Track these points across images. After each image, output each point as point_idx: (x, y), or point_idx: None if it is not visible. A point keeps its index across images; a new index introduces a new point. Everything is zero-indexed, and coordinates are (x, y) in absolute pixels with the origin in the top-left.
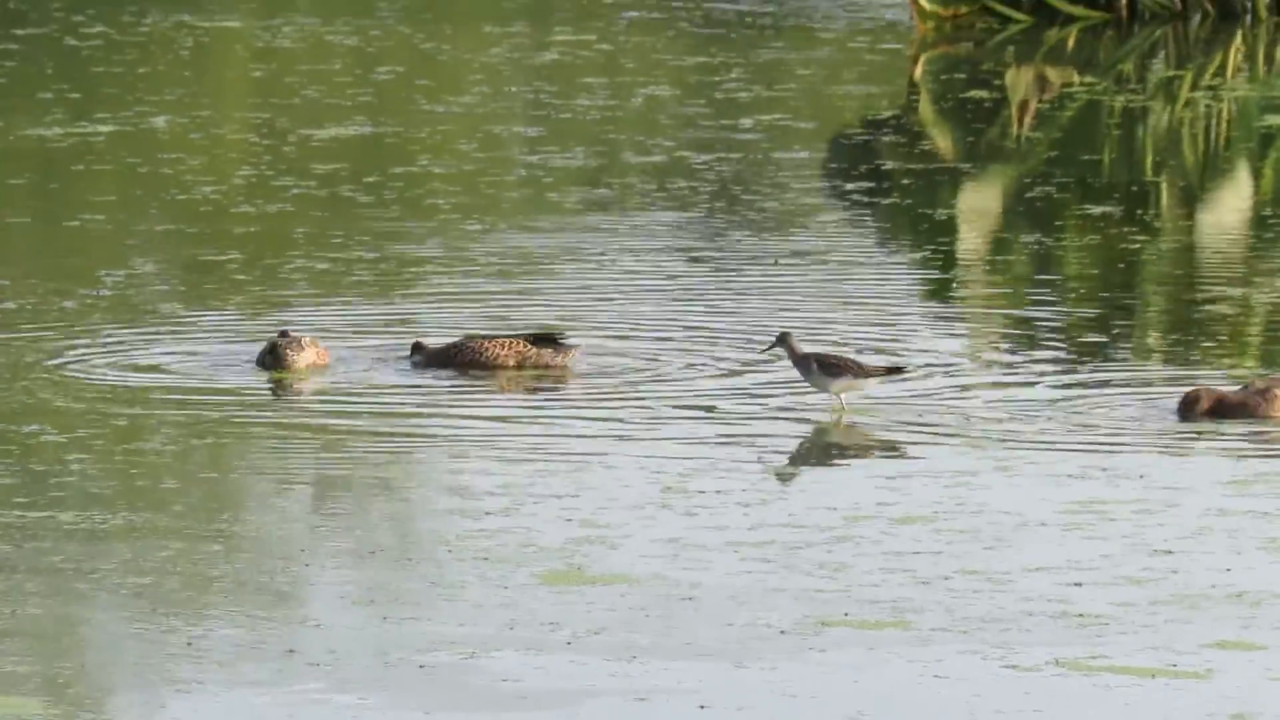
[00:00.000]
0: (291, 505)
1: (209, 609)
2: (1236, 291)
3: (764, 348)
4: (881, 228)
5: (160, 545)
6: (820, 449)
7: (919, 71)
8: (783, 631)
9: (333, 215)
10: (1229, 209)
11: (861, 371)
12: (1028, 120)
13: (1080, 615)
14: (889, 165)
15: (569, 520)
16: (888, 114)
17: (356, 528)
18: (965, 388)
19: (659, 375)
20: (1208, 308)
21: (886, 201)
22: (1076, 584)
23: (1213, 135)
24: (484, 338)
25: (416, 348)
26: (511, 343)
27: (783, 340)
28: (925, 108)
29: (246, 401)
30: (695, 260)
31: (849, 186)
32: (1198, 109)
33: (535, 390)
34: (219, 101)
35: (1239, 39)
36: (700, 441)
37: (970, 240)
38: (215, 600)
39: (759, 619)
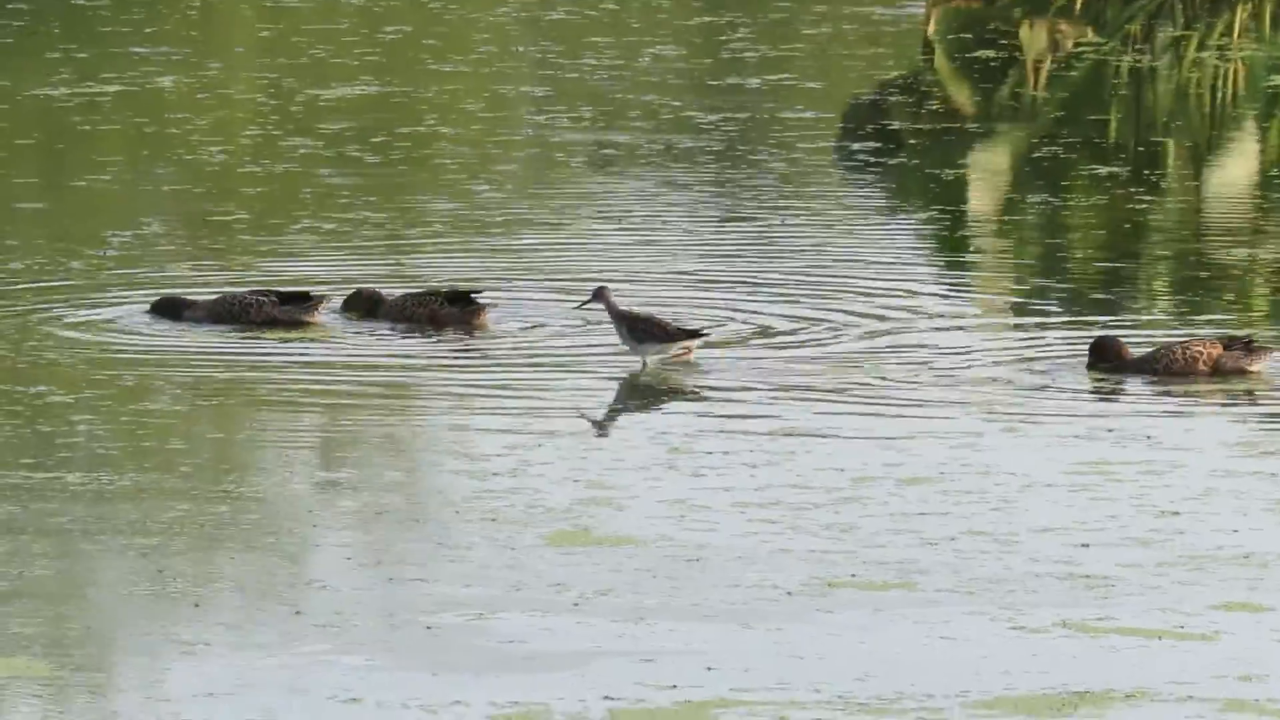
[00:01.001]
0: (298, 467)
1: (216, 570)
2: (1243, 250)
3: (579, 303)
4: (889, 187)
5: (167, 506)
6: (826, 410)
7: (930, 29)
8: (789, 593)
9: (340, 175)
10: (1236, 168)
11: (666, 335)
12: (1041, 80)
13: (1087, 576)
14: (896, 125)
15: (575, 481)
16: (895, 74)
17: (363, 489)
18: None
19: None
20: (1214, 266)
21: (894, 161)
22: (1083, 545)
23: (1220, 95)
24: (402, 295)
25: (359, 299)
26: (425, 301)
27: (599, 295)
28: (936, 67)
29: (254, 363)
30: (702, 218)
31: (856, 146)
32: (1205, 69)
33: (539, 351)
34: (226, 61)
35: None
36: (707, 402)
37: (978, 200)
38: (222, 561)
39: (766, 580)
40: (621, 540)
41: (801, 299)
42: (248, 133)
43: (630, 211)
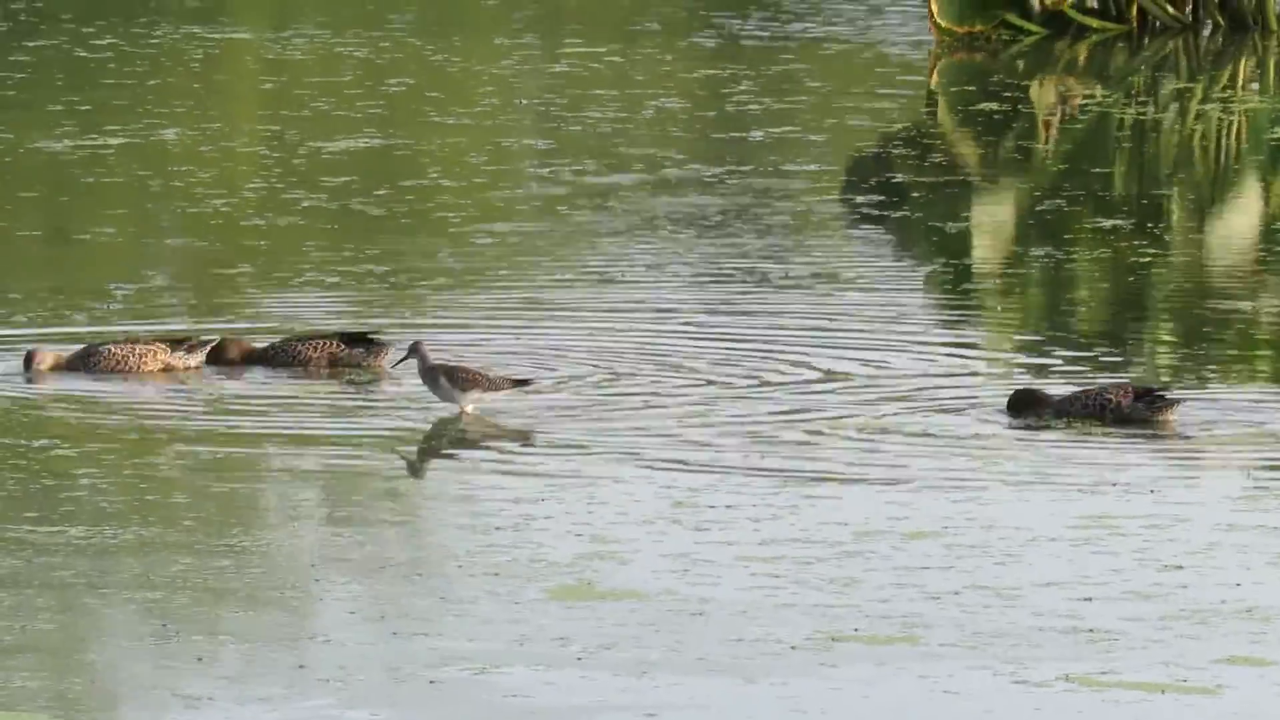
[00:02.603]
0: (301, 520)
1: (219, 624)
2: (1246, 303)
3: (395, 361)
4: (892, 240)
5: (170, 560)
6: (831, 464)
7: (934, 82)
8: (793, 647)
9: (343, 228)
10: (1239, 221)
11: (491, 384)
12: (1051, 135)
13: (1090, 630)
14: (900, 178)
15: (579, 535)
16: (899, 127)
17: (366, 543)
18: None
19: (670, 390)
20: (1218, 319)
21: (897, 214)
22: (1087, 599)
23: (1223, 147)
24: (298, 339)
25: (226, 349)
26: (324, 343)
27: (414, 350)
28: (940, 120)
29: (256, 414)
30: (706, 273)
31: (859, 199)
32: (1209, 121)
33: (545, 405)
34: (229, 114)
35: (1250, 51)
36: (712, 456)
37: (982, 252)
38: (225, 615)
39: (769, 634)
40: (625, 594)
41: (804, 353)
42: (251, 185)
43: (634, 265)
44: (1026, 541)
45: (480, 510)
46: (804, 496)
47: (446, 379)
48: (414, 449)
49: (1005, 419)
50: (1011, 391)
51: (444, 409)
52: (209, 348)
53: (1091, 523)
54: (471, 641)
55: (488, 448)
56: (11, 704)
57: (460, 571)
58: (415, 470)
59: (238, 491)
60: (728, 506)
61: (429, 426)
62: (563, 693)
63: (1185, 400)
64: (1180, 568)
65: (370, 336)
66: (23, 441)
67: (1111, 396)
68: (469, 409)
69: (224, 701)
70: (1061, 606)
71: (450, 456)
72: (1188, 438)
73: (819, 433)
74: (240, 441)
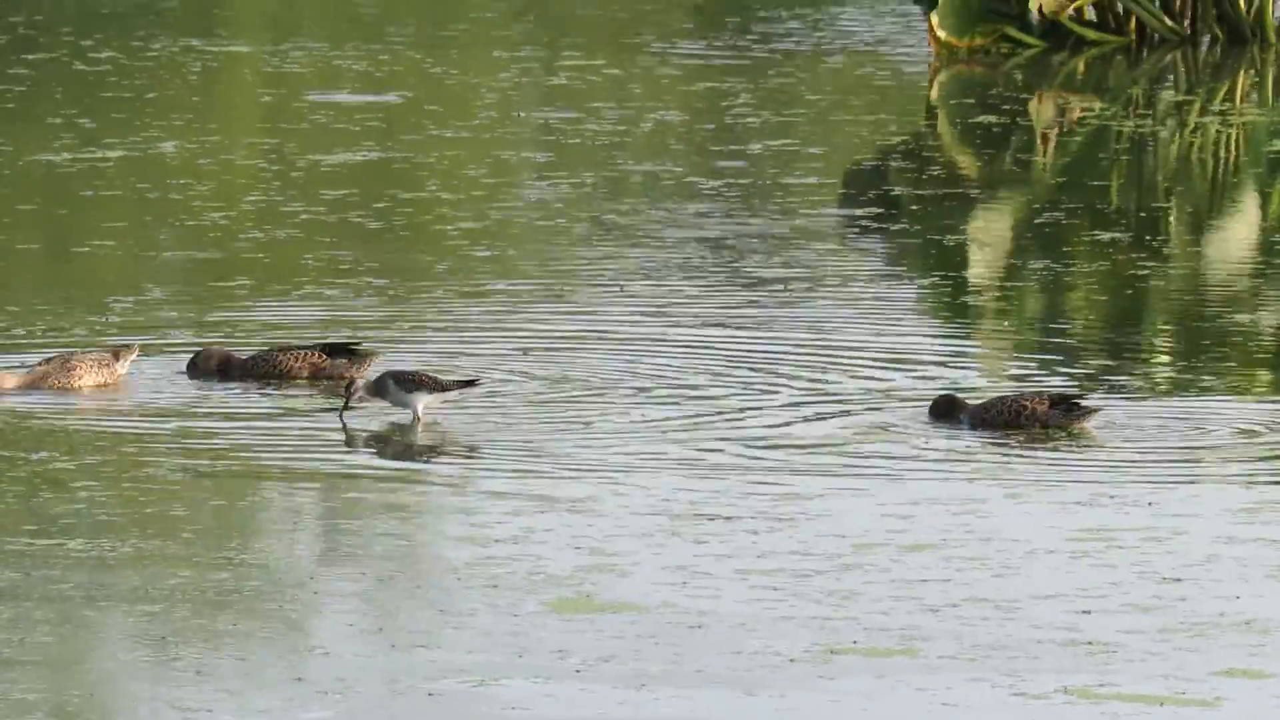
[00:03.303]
0: (300, 533)
1: (218, 636)
2: (1245, 315)
3: (347, 402)
4: (890, 253)
5: (169, 572)
6: (828, 476)
7: (933, 95)
8: (792, 659)
9: (342, 240)
10: (1237, 234)
11: (438, 385)
12: (1050, 149)
13: (1089, 643)
14: (898, 191)
15: (578, 548)
16: (898, 139)
17: (365, 555)
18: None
19: (668, 402)
20: (1216, 331)
21: (896, 226)
22: (1085, 612)
23: (1222, 160)
24: (281, 349)
25: (206, 360)
26: (306, 354)
27: (373, 388)
28: (938, 133)
29: (255, 427)
30: (703, 285)
31: (858, 212)
32: (1207, 134)
33: (547, 419)
34: (228, 127)
35: (1248, 64)
36: (710, 468)
37: (979, 265)
38: (224, 627)
39: (768, 647)
40: (624, 607)
41: (801, 365)
42: (250, 198)
43: (631, 279)
44: (1025, 554)
45: (479, 522)
46: (802, 509)
47: (394, 383)
48: (412, 460)
49: (1001, 430)
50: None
51: (454, 415)
52: (189, 360)
53: (1090, 535)
54: (470, 654)
55: (486, 460)
56: (10, 716)
57: (459, 584)
58: (414, 482)
59: (236, 504)
60: (726, 519)
61: (426, 438)
62: (562, 705)
63: (1102, 409)
64: (1179, 580)
65: (351, 347)
66: (21, 454)
67: (1028, 404)
68: (420, 411)
69: (222, 713)
70: (1060, 619)
71: (448, 468)
72: (1188, 450)
73: (816, 445)
74: (238, 454)
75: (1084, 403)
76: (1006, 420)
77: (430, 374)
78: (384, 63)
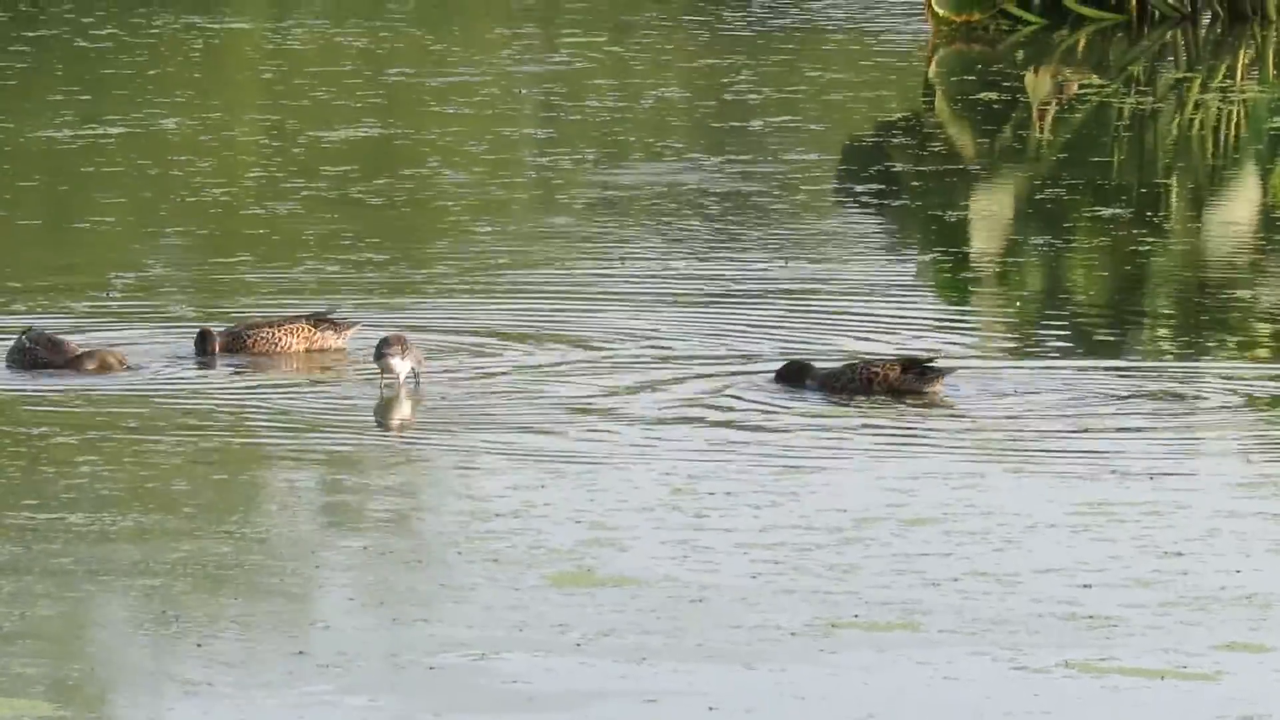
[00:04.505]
0: (301, 506)
1: (219, 611)
2: (1245, 291)
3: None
4: (890, 228)
5: (170, 547)
6: (830, 450)
7: (932, 72)
8: (793, 633)
9: (343, 217)
10: (1238, 210)
11: (406, 346)
12: (1046, 124)
13: (1090, 617)
14: (898, 167)
15: (579, 522)
16: (898, 116)
17: (366, 530)
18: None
19: (668, 378)
20: (1216, 307)
21: (896, 203)
22: (1086, 586)
23: (1222, 137)
24: (266, 322)
25: (203, 338)
26: (297, 328)
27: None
28: (938, 110)
29: (256, 402)
30: (705, 261)
31: (858, 188)
32: (1208, 111)
33: (545, 393)
34: (229, 103)
35: (1249, 41)
36: (711, 442)
37: (980, 241)
38: (225, 601)
39: (769, 621)
40: (624, 581)
41: (803, 341)
42: (251, 174)
43: (632, 253)
44: (1026, 528)
45: (480, 496)
46: (803, 483)
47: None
48: (413, 434)
49: (1002, 405)
50: (788, 363)
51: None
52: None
53: (1090, 509)
54: (471, 628)
55: (487, 433)
56: (11, 690)
57: (460, 558)
58: (414, 456)
59: (237, 478)
60: (727, 493)
61: (428, 411)
62: (562, 679)
63: (954, 370)
64: (1179, 554)
65: (330, 317)
66: (22, 429)
67: (879, 370)
68: (396, 368)
69: (223, 687)
70: (1061, 593)
71: (450, 442)
72: (1187, 424)
73: (818, 419)
74: (239, 429)
75: (935, 365)
76: (857, 387)
77: (402, 337)
78: (385, 40)
